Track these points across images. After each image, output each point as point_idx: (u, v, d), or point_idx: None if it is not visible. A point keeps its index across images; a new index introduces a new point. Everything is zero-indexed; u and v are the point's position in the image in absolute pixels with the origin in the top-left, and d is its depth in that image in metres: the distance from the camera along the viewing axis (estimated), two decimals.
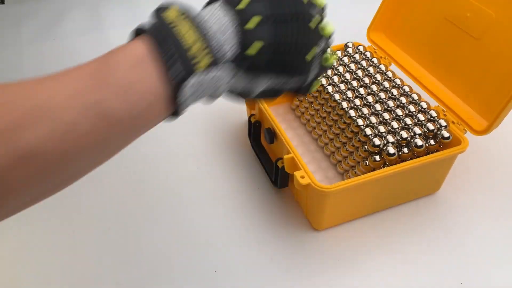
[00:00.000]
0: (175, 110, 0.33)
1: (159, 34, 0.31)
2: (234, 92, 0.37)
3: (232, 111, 0.82)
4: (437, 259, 0.59)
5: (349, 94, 0.68)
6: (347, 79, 0.71)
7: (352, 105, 0.66)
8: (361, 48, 0.77)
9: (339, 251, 0.60)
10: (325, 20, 0.39)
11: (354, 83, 0.70)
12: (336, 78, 0.71)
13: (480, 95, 0.65)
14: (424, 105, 0.66)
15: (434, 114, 0.64)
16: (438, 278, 0.57)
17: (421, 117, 0.63)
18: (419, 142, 0.60)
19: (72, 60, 0.93)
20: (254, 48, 0.33)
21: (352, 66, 0.73)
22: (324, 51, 0.40)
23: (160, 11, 0.33)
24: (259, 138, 0.72)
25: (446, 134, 0.61)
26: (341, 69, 0.73)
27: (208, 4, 0.36)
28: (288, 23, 0.34)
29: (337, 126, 0.68)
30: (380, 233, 0.62)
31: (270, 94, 0.38)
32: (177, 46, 0.31)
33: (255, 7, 0.34)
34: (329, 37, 0.39)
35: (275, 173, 0.64)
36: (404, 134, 0.60)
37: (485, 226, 0.63)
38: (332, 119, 0.69)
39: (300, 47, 0.36)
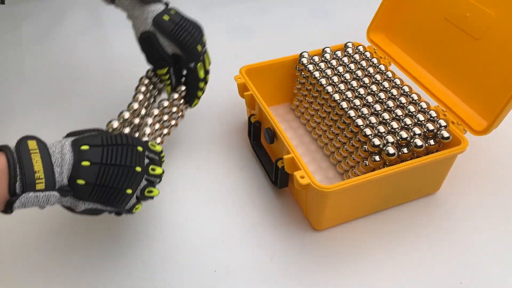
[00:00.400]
0: (6, 209, 0.43)
1: (21, 156, 0.43)
2: (63, 205, 0.48)
3: (232, 111, 0.82)
4: (437, 259, 0.59)
5: (349, 94, 0.68)
6: (347, 79, 0.71)
7: (352, 105, 0.66)
8: (361, 48, 0.77)
9: (339, 251, 0.60)
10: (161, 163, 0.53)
11: (354, 83, 0.70)
12: (336, 78, 0.71)
13: (480, 95, 0.65)
14: (424, 105, 0.66)
15: (434, 114, 0.64)
16: (438, 278, 0.57)
17: (420, 117, 0.63)
18: (418, 142, 0.60)
19: (72, 60, 0.93)
20: (79, 183, 0.45)
21: (352, 66, 0.73)
22: (150, 185, 0.51)
23: (26, 138, 0.45)
24: (259, 138, 0.72)
25: (446, 134, 0.61)
26: (341, 69, 0.73)
27: (67, 135, 0.50)
28: (112, 169, 0.47)
29: (336, 126, 0.68)
30: (380, 233, 0.62)
31: (92, 213, 0.50)
32: (27, 169, 0.43)
33: (91, 153, 0.46)
34: (159, 176, 0.53)
35: (275, 173, 0.64)
36: (403, 134, 0.60)
37: (485, 226, 0.63)
38: (332, 119, 0.69)
39: (120, 187, 0.47)
